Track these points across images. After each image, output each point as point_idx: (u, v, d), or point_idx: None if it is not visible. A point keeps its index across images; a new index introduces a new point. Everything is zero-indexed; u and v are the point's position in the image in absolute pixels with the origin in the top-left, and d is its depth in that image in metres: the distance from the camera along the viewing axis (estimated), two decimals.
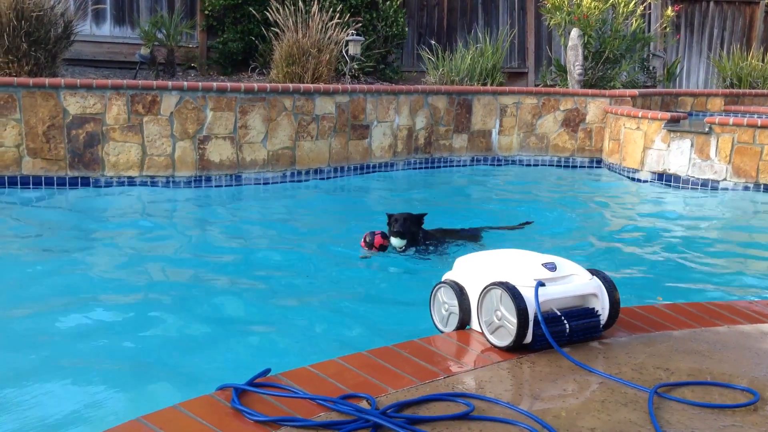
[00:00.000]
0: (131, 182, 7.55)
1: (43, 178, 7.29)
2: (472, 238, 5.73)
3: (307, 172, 8.50)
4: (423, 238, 5.39)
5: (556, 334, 2.60)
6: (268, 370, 2.40)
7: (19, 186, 7.20)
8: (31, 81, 7.16)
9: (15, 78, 7.18)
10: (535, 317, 2.59)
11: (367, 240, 5.26)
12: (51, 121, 7.24)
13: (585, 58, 10.95)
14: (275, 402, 2.22)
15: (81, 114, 7.32)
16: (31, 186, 7.24)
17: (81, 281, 4.68)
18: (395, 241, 5.24)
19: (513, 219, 6.63)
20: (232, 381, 2.27)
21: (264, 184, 8.12)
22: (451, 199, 8.23)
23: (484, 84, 10.61)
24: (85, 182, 7.41)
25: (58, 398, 3.03)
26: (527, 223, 6.44)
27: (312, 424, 2.09)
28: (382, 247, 5.28)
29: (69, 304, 4.23)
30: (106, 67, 10.33)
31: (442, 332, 2.94)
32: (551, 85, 11.73)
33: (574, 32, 10.74)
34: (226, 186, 7.90)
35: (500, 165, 10.18)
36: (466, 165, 10.06)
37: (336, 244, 5.68)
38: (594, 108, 10.18)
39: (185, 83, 7.77)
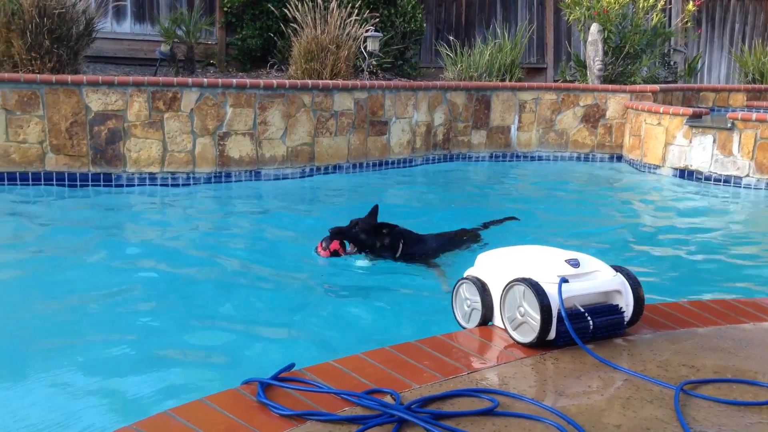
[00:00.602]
0: (152, 178, 7.61)
1: (66, 174, 7.36)
2: (461, 241, 5.47)
3: (326, 168, 8.51)
4: (401, 245, 5.03)
5: (580, 330, 2.59)
6: (292, 365, 2.41)
7: (42, 182, 7.27)
8: (53, 78, 7.23)
9: (38, 75, 7.25)
10: (559, 314, 2.58)
11: (323, 245, 4.99)
12: (74, 118, 7.31)
13: (605, 53, 10.88)
14: (299, 396, 2.23)
15: (103, 111, 7.38)
16: (54, 182, 7.31)
17: (103, 276, 4.73)
18: (350, 249, 4.99)
19: (529, 216, 6.60)
20: (255, 376, 2.29)
21: (283, 179, 8.15)
22: (469, 196, 8.21)
23: (503, 80, 10.57)
24: (108, 178, 7.48)
25: (85, 391, 3.06)
26: (511, 218, 6.25)
27: (337, 418, 2.10)
28: (335, 253, 4.98)
29: (91, 300, 4.27)
30: (127, 64, 10.40)
31: (464, 328, 2.94)
32: (571, 81, 11.67)
33: (594, 27, 10.68)
34: (245, 182, 7.94)
35: (519, 161, 10.15)
36: (484, 161, 10.04)
37: None
38: (614, 103, 10.11)
39: (205, 80, 7.81)
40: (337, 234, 4.91)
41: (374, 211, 5.07)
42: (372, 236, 4.92)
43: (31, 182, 7.25)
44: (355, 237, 4.92)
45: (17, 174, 7.23)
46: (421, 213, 7.10)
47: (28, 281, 4.58)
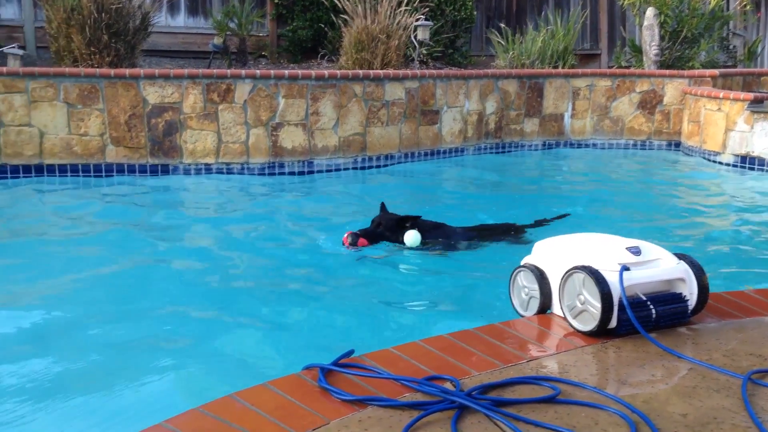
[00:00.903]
0: (208, 169, 7.74)
1: (125, 166, 7.54)
2: (497, 234, 5.42)
3: (378, 158, 8.53)
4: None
5: (642, 319, 2.55)
6: (351, 351, 2.43)
7: (103, 173, 7.47)
8: (112, 72, 7.41)
9: (97, 69, 7.44)
10: (620, 302, 2.54)
11: (350, 241, 4.97)
12: (132, 111, 7.48)
13: (661, 38, 10.63)
14: (360, 382, 2.25)
15: (160, 103, 7.53)
16: (114, 173, 7.50)
17: (164, 266, 4.84)
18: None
19: (585, 204, 6.51)
20: (315, 361, 2.32)
21: (335, 170, 8.20)
22: (522, 186, 8.13)
23: (556, 67, 10.42)
24: (165, 169, 7.63)
25: (151, 375, 3.16)
26: (564, 215, 5.97)
27: (397, 404, 2.11)
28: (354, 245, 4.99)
29: (157, 289, 4.38)
30: (181, 57, 10.57)
31: (522, 316, 2.92)
32: (626, 67, 11.44)
33: (650, 11, 10.43)
34: (298, 172, 8.01)
35: (573, 149, 10.00)
36: (537, 149, 9.93)
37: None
38: (672, 89, 9.88)
39: (258, 71, 7.90)
40: (366, 236, 4.98)
41: (383, 206, 5.28)
42: (397, 231, 5.06)
43: (92, 173, 7.45)
44: (381, 235, 5.07)
45: (79, 166, 7.44)
46: (472, 203, 7.07)
47: (101, 274, 4.73)
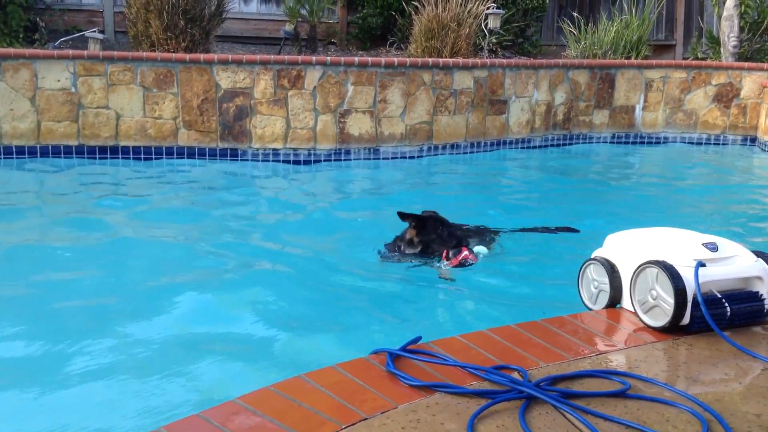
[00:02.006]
0: (275, 154, 7.86)
1: (196, 149, 7.73)
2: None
3: (444, 147, 8.51)
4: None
5: (716, 317, 2.50)
6: (419, 338, 2.46)
7: (175, 156, 7.66)
8: (187, 57, 7.58)
9: (173, 54, 7.63)
10: (694, 298, 2.50)
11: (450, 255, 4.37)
12: (204, 95, 7.65)
13: (741, 29, 10.26)
14: (427, 368, 2.28)
15: (231, 88, 7.68)
16: (185, 156, 7.69)
17: (234, 248, 4.96)
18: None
19: (656, 199, 6.35)
20: (383, 347, 2.35)
21: (401, 158, 8.22)
22: (589, 179, 8.00)
23: (629, 57, 10.17)
24: (234, 154, 7.79)
25: (226, 356, 3.26)
26: (570, 229, 5.41)
27: (465, 391, 2.13)
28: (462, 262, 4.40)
29: (223, 272, 4.50)
30: (252, 43, 10.73)
31: (590, 309, 2.90)
32: (702, 59, 11.09)
33: (730, 1, 10.09)
34: (364, 159, 8.06)
35: (643, 142, 9.78)
36: (606, 142, 9.74)
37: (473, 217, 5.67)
38: (750, 82, 9.54)
39: (328, 58, 7.97)
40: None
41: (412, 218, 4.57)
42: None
43: (164, 156, 7.66)
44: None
45: (152, 148, 7.66)
46: (536, 196, 7.01)
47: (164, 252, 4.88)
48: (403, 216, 4.41)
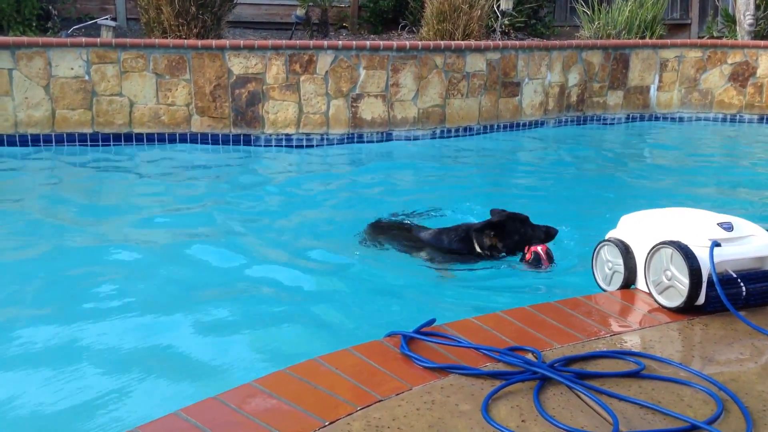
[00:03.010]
0: (288, 139, 7.87)
1: (209, 135, 7.75)
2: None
3: (457, 130, 8.48)
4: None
5: (732, 296, 2.49)
6: (433, 320, 2.46)
7: (188, 142, 7.69)
8: (199, 43, 7.59)
9: (185, 40, 7.63)
10: (709, 278, 2.49)
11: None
12: (217, 81, 7.65)
13: (757, 6, 10.14)
14: (441, 350, 2.28)
15: (244, 74, 7.68)
16: (199, 142, 7.71)
17: (247, 231, 4.98)
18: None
19: (672, 179, 6.30)
20: (396, 329, 2.36)
21: (414, 141, 8.20)
22: (604, 160, 7.95)
23: (643, 37, 10.07)
24: (247, 139, 7.80)
25: (241, 341, 3.29)
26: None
27: (480, 373, 2.14)
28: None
29: (235, 256, 4.52)
30: (264, 28, 10.72)
31: (604, 291, 2.89)
32: (717, 37, 10.96)
33: None
34: (377, 143, 8.05)
35: (658, 122, 9.70)
36: (620, 123, 9.67)
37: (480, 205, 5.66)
38: (766, 60, 9.43)
39: (340, 42, 7.95)
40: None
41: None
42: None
43: (178, 142, 7.68)
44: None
45: (166, 135, 7.68)
46: (550, 178, 6.97)
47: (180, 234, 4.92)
48: (480, 230, 4.13)
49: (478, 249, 4.17)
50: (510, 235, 4.07)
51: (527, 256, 4.02)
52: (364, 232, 4.67)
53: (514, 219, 4.10)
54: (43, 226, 5.06)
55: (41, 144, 7.42)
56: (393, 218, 4.93)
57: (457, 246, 4.20)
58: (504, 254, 4.13)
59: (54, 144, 7.46)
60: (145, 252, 4.51)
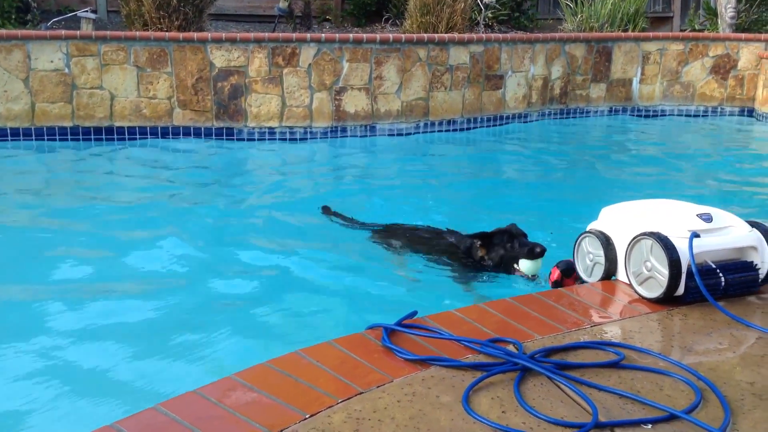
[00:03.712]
0: (271, 133, 7.83)
1: (191, 129, 7.70)
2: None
3: (440, 123, 8.48)
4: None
5: (711, 287, 2.51)
6: (414, 312, 2.47)
7: (170, 135, 7.63)
8: (181, 35, 7.53)
9: (166, 33, 7.56)
10: (688, 269, 2.50)
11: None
12: (199, 74, 7.60)
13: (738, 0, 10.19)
14: (422, 342, 2.29)
15: (226, 67, 7.63)
16: (181, 136, 7.66)
17: (228, 226, 4.96)
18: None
19: (653, 171, 6.33)
20: (379, 322, 2.36)
21: (398, 134, 8.19)
22: (587, 153, 7.98)
23: (625, 30, 10.11)
24: (230, 133, 7.76)
25: (218, 334, 3.28)
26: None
27: (460, 364, 2.14)
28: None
29: (222, 249, 4.50)
30: (246, 21, 10.65)
31: (586, 282, 2.91)
32: (699, 30, 11.02)
33: None
34: (360, 136, 8.03)
35: (640, 115, 9.75)
36: (603, 115, 9.71)
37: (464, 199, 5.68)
38: (747, 53, 9.49)
39: (323, 35, 7.91)
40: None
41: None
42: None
43: (160, 136, 7.63)
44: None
45: (148, 128, 7.63)
46: (532, 170, 6.99)
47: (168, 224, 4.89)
48: (470, 236, 4.07)
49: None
50: (494, 248, 3.96)
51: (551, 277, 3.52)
52: (377, 235, 4.55)
53: (503, 232, 3.98)
54: (21, 219, 5.01)
55: (21, 138, 7.34)
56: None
57: (464, 255, 4.12)
58: (491, 265, 3.97)
59: (34, 138, 7.39)
60: (123, 245, 4.48)
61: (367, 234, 4.61)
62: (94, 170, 6.59)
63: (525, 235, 3.97)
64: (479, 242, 4.02)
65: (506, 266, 3.96)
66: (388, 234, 4.58)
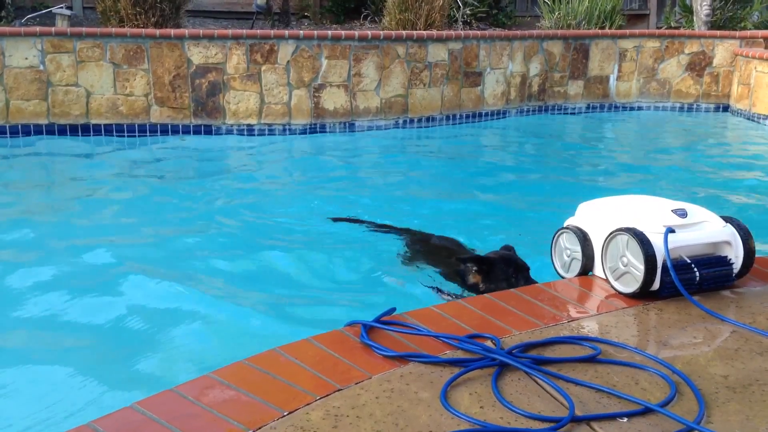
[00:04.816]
0: (250, 130, 7.80)
1: (169, 126, 7.65)
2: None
3: (419, 120, 8.50)
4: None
5: (686, 281, 2.53)
6: (393, 309, 2.47)
7: (148, 133, 7.58)
8: (157, 32, 7.47)
9: (143, 29, 7.51)
10: (663, 264, 2.53)
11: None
12: (176, 71, 7.55)
13: None
14: (401, 339, 2.29)
15: (204, 64, 7.59)
16: (158, 133, 7.60)
17: (214, 218, 4.94)
18: None
19: (630, 168, 6.39)
20: (357, 319, 2.36)
21: (377, 131, 8.19)
22: (564, 149, 8.04)
23: (603, 27, 10.18)
24: (208, 130, 7.72)
25: (196, 329, 3.26)
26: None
27: (439, 360, 2.15)
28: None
29: (200, 245, 4.48)
30: (224, 17, 10.60)
31: (563, 278, 2.93)
32: (675, 27, 11.13)
33: None
34: (339, 133, 8.02)
35: (617, 112, 9.83)
36: (580, 112, 9.78)
37: (449, 194, 5.70)
38: (722, 51, 9.61)
39: (301, 32, 7.89)
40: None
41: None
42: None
43: (137, 133, 7.57)
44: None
45: (125, 126, 7.57)
46: (511, 166, 7.02)
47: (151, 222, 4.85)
48: (463, 260, 3.50)
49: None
50: (496, 281, 3.35)
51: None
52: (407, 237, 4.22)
53: (508, 262, 3.42)
54: None
55: None
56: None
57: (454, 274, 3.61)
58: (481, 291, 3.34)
59: (8, 135, 7.30)
60: (98, 243, 4.44)
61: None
62: (69, 168, 6.52)
63: (528, 268, 3.42)
64: (475, 268, 3.41)
65: None
66: (413, 240, 4.22)
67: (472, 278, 3.42)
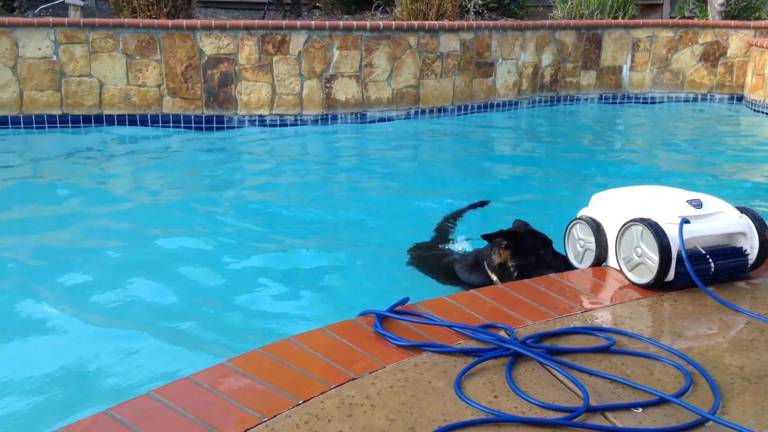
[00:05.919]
0: (261, 121, 7.80)
1: (181, 117, 7.66)
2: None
3: (431, 111, 8.47)
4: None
5: (700, 272, 2.53)
6: (406, 299, 2.47)
7: (160, 123, 7.59)
8: (170, 23, 7.47)
9: (155, 20, 7.51)
10: (678, 255, 2.52)
11: None
12: (188, 62, 7.55)
13: None
14: (414, 329, 2.30)
15: (216, 54, 7.59)
16: (171, 124, 7.62)
17: (218, 212, 4.95)
18: None
19: (643, 159, 6.36)
20: (371, 308, 2.36)
21: (388, 121, 8.18)
22: (577, 140, 8.00)
23: (616, 17, 10.11)
24: (220, 121, 7.73)
25: (212, 320, 3.28)
26: (482, 203, 4.82)
27: (452, 350, 2.15)
28: None
29: (214, 238, 4.50)
30: (236, 8, 10.58)
31: (576, 268, 2.92)
32: (689, 17, 11.03)
33: None
34: (351, 123, 8.01)
35: (630, 103, 9.76)
36: (593, 103, 9.72)
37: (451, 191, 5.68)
38: (736, 41, 9.52)
39: (313, 22, 7.87)
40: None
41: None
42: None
43: (150, 124, 7.59)
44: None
45: (137, 116, 7.59)
46: (525, 161, 7.00)
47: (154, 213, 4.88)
48: (490, 236, 3.27)
49: (488, 271, 3.32)
50: (526, 255, 3.21)
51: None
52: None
53: (536, 236, 3.29)
54: (10, 208, 4.98)
55: (9, 126, 7.29)
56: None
57: (467, 277, 3.42)
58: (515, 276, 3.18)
59: (23, 126, 7.34)
60: (113, 233, 4.47)
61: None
62: (83, 159, 6.55)
63: (551, 242, 3.29)
64: (504, 242, 3.21)
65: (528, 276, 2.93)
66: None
67: (500, 256, 3.25)
